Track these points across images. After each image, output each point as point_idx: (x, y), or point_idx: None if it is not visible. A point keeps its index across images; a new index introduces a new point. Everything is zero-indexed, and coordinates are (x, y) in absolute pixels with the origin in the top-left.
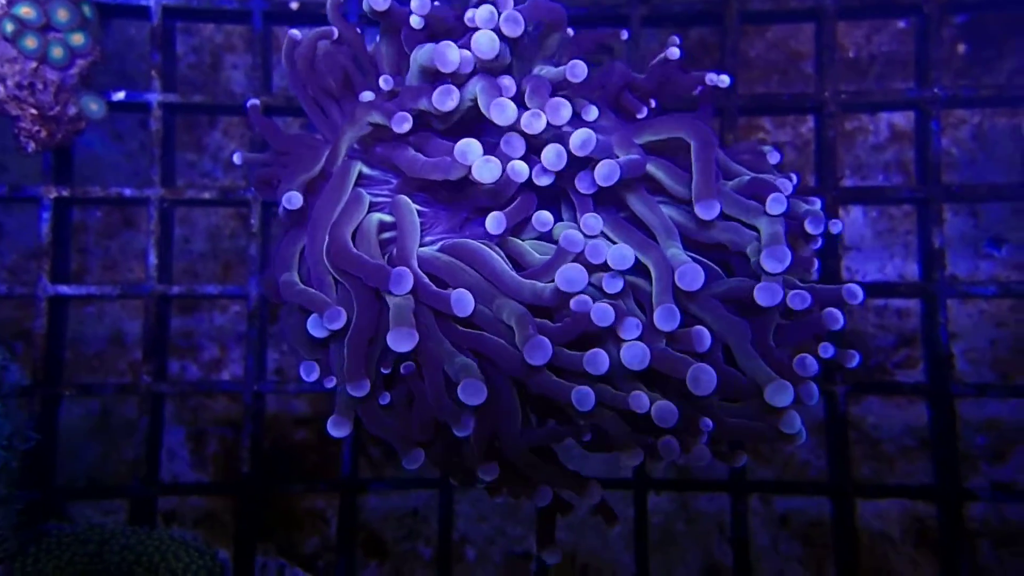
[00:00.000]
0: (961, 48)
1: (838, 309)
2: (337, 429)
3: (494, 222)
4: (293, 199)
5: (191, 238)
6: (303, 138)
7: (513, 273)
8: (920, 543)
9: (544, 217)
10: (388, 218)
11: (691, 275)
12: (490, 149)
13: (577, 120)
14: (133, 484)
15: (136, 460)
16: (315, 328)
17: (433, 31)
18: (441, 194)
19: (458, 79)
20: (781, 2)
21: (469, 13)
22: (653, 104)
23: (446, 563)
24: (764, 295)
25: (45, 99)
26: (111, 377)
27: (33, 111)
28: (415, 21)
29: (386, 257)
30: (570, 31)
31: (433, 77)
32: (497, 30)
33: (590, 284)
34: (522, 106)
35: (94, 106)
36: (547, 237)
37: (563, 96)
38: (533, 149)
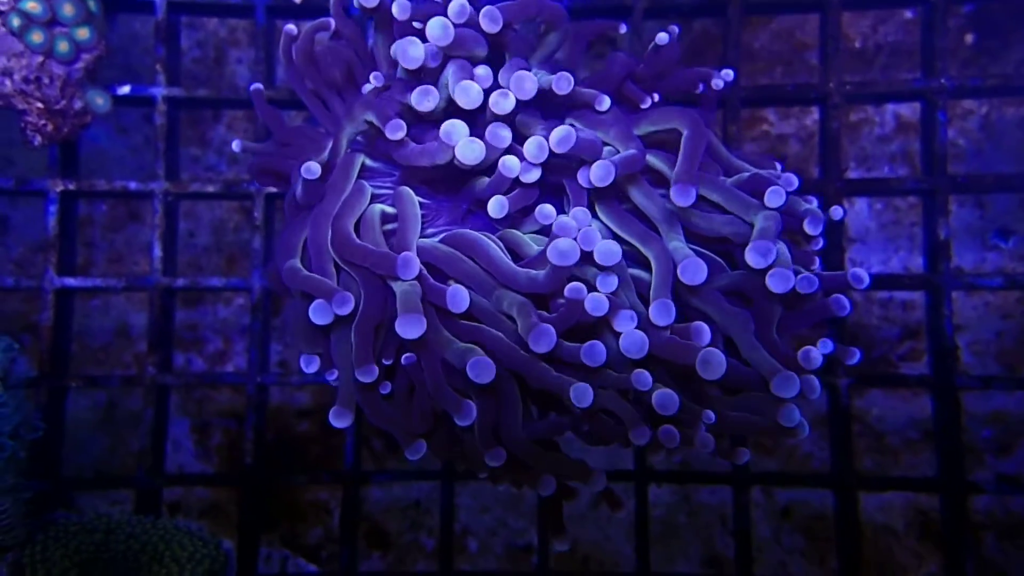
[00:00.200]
0: (968, 38)
1: (844, 295)
2: (339, 420)
3: (496, 205)
4: (312, 168)
5: (195, 232)
6: (305, 130)
7: (508, 260)
8: (923, 536)
9: (546, 210)
10: (391, 209)
11: (694, 269)
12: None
13: (589, 111)
14: (139, 475)
15: (142, 451)
16: (318, 315)
17: (423, 24)
18: (443, 187)
19: (431, 73)
20: None
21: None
22: (657, 98)
23: (448, 554)
24: (776, 281)
25: (51, 93)
26: (117, 369)
27: (39, 105)
28: (397, 10)
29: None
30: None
31: (413, 72)
32: (472, 25)
33: (584, 281)
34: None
35: (99, 100)
36: (548, 231)
37: (575, 88)
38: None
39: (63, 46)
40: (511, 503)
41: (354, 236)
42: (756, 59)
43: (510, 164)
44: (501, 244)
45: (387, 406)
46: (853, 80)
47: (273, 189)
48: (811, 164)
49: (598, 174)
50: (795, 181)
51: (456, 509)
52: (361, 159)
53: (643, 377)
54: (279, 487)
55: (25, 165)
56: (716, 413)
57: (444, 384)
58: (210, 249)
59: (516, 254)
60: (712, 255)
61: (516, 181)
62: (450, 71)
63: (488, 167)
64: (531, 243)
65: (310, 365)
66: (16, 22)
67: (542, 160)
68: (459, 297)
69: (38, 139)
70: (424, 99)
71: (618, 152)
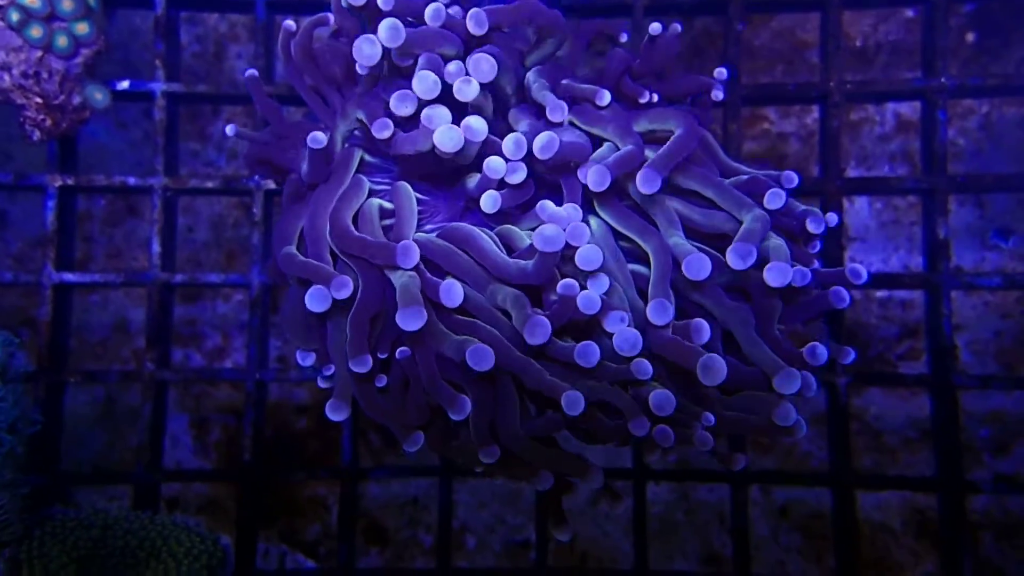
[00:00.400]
0: (969, 37)
1: (842, 289)
2: (335, 413)
3: (489, 201)
4: (318, 138)
5: (195, 227)
6: (303, 125)
7: (500, 252)
8: (921, 535)
9: (546, 206)
10: (389, 204)
11: (698, 264)
12: (490, 144)
13: (589, 107)
14: (137, 470)
15: (140, 447)
16: (315, 302)
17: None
18: (441, 183)
19: (409, 71)
20: None
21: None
22: (656, 97)
23: (446, 551)
24: (774, 275)
25: (50, 88)
26: (115, 364)
27: (38, 100)
28: (381, 2)
29: None
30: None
31: (396, 69)
32: (448, 26)
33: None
34: (508, 107)
35: (98, 95)
36: None
37: (575, 80)
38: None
39: (62, 41)
40: (509, 499)
41: (352, 228)
42: (757, 57)
43: (494, 165)
44: (496, 239)
45: (383, 399)
46: (854, 79)
47: (272, 185)
48: (811, 163)
49: (594, 179)
50: (795, 178)
51: (454, 505)
52: (359, 154)
53: (643, 366)
54: (277, 483)
55: (24, 160)
56: (713, 413)
57: (438, 378)
58: (209, 245)
59: (511, 249)
60: (713, 251)
61: (503, 182)
62: (419, 63)
63: (479, 163)
64: (525, 238)
65: (307, 358)
66: (15, 17)
67: (520, 157)
68: (453, 292)
69: (37, 134)
70: (402, 104)
71: (617, 148)
